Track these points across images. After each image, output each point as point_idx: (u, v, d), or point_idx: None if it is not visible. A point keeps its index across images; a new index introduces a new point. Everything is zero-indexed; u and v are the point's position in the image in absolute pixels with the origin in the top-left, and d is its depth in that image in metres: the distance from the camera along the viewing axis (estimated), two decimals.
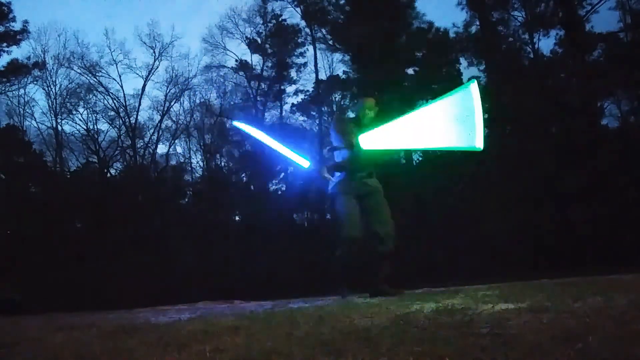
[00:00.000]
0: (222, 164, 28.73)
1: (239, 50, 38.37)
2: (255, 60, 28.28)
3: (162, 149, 28.15)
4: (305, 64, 28.05)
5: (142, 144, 27.09)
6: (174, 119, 27.83)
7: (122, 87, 27.03)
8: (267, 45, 28.27)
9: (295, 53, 28.22)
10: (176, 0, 43.95)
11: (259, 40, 28.06)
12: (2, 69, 25.51)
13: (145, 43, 27.82)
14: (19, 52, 26.17)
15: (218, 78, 27.92)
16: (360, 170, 3.99)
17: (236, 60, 28.02)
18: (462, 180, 22.51)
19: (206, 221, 24.40)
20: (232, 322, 2.60)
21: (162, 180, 27.47)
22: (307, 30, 27.68)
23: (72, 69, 26.28)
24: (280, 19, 27.96)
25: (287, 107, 28.42)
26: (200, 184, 28.13)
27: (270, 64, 28.28)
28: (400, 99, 25.29)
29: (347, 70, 27.05)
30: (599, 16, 23.32)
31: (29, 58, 25.95)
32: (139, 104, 26.85)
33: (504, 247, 18.43)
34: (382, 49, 22.92)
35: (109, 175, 27.42)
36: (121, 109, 26.77)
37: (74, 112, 26.48)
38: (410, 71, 26.19)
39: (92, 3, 40.48)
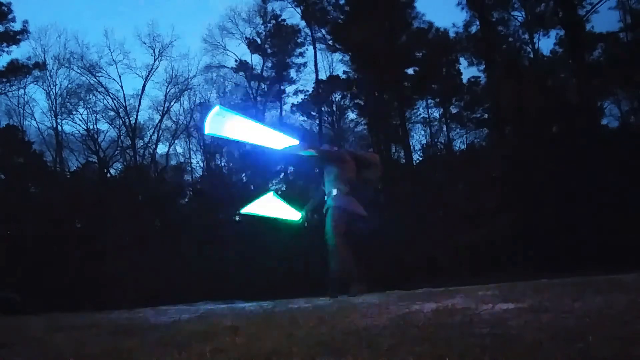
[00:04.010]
0: (222, 164, 28.75)
1: (239, 50, 38.52)
2: (255, 60, 28.32)
3: (162, 149, 28.16)
4: (305, 64, 28.08)
5: (142, 144, 27.10)
6: (174, 119, 27.84)
7: (122, 87, 27.05)
8: (267, 46, 28.27)
9: (295, 53, 28.23)
10: (176, 0, 43.96)
11: (258, 40, 28.07)
12: (2, 69, 25.50)
13: (145, 43, 27.85)
14: (19, 52, 26.22)
15: (218, 78, 27.95)
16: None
17: (236, 60, 28.05)
18: (462, 180, 22.50)
19: (206, 221, 24.38)
20: (232, 322, 2.60)
21: (162, 180, 27.45)
22: (307, 30, 27.70)
23: (72, 69, 26.30)
24: (280, 19, 27.98)
25: (287, 107, 28.46)
26: (200, 184, 28.12)
27: (270, 64, 28.30)
28: (400, 99, 25.33)
29: (347, 70, 27.09)
30: (599, 16, 23.36)
31: (29, 58, 25.97)
32: (139, 104, 26.87)
33: (504, 247, 18.43)
34: (382, 49, 22.90)
35: (109, 175, 27.41)
36: (121, 109, 26.77)
37: (74, 112, 26.48)
38: (410, 71, 26.21)
39: (92, 3, 40.50)
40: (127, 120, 26.75)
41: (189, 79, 27.59)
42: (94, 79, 26.52)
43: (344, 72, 27.24)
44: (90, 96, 26.64)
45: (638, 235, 14.79)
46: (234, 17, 27.85)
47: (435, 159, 25.05)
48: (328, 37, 27.35)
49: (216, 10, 58.15)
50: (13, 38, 25.61)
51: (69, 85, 26.27)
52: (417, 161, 26.12)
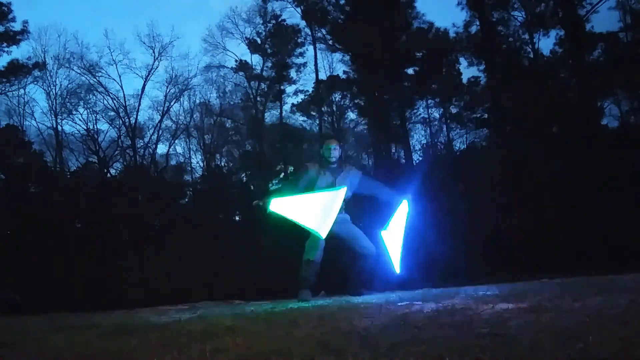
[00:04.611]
0: (222, 164, 28.76)
1: (239, 50, 38.41)
2: (255, 60, 28.28)
3: (162, 149, 28.17)
4: (305, 64, 28.03)
5: (142, 144, 27.09)
6: (173, 119, 27.83)
7: (122, 87, 27.02)
8: (267, 46, 28.26)
9: (295, 53, 28.19)
10: (176, 0, 43.96)
11: (258, 40, 28.05)
12: (2, 69, 25.48)
13: (144, 43, 27.82)
14: (19, 52, 26.15)
15: (218, 78, 27.94)
16: None
17: (236, 60, 28.02)
18: (462, 180, 22.52)
19: (206, 221, 24.38)
20: (232, 322, 2.60)
21: (162, 180, 27.46)
22: (307, 30, 27.67)
23: (72, 69, 26.29)
24: (280, 19, 27.94)
25: (287, 107, 28.44)
26: (200, 184, 28.13)
27: (270, 64, 28.28)
28: (400, 99, 25.33)
29: (347, 70, 27.07)
30: (599, 16, 23.29)
31: (29, 58, 25.94)
32: (139, 104, 26.83)
33: (505, 247, 18.42)
34: (382, 49, 22.88)
35: (109, 175, 27.41)
36: (121, 109, 26.76)
37: (74, 112, 26.47)
38: (410, 71, 26.20)
39: (92, 3, 40.49)
40: (127, 120, 26.75)
41: (189, 79, 27.60)
42: (94, 79, 26.52)
43: (344, 72, 27.24)
44: (90, 96, 26.65)
45: (638, 235, 14.79)
46: (234, 17, 27.85)
47: (434, 159, 25.04)
48: (328, 37, 27.36)
49: (216, 10, 58.21)
50: (13, 38, 25.59)
51: (69, 85, 26.27)
52: (417, 161, 26.14)
